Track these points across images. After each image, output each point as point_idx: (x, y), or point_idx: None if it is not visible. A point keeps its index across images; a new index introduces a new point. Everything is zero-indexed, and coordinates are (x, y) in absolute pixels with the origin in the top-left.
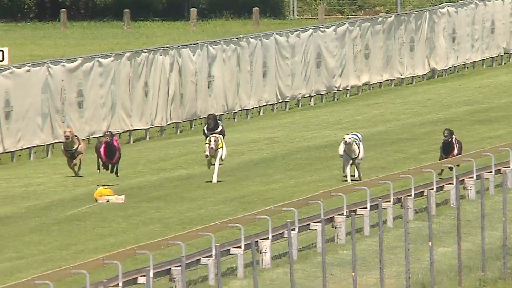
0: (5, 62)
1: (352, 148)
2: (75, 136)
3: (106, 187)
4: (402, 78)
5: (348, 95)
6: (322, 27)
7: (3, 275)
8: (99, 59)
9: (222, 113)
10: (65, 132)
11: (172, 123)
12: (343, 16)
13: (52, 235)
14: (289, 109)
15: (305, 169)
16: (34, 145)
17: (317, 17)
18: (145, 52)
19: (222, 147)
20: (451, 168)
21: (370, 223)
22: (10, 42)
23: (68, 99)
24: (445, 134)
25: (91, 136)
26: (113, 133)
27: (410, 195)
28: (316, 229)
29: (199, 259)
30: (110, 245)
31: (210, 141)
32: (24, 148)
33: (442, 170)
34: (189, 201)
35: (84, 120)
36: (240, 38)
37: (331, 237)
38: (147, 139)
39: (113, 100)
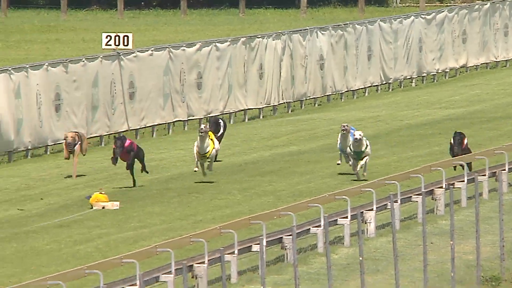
0: (130, 46)
1: (361, 144)
2: (78, 135)
3: (103, 192)
4: (497, 61)
5: (446, 77)
6: (422, 14)
7: (128, 243)
8: (216, 44)
9: (330, 94)
10: (66, 137)
11: (284, 102)
12: (442, 4)
13: (172, 206)
14: (392, 89)
15: (407, 146)
16: (156, 123)
17: (418, 4)
18: (259, 37)
19: (213, 148)
20: (462, 166)
21: (467, 195)
22: (134, 28)
23: (187, 81)
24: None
25: (208, 115)
26: (124, 137)
27: (504, 170)
28: (417, 201)
29: (309, 228)
30: (226, 216)
31: (200, 131)
32: (147, 126)
33: (455, 167)
34: (299, 175)
35: (202, 100)
36: (347, 24)
37: (430, 208)
38: (261, 117)
39: (229, 82)
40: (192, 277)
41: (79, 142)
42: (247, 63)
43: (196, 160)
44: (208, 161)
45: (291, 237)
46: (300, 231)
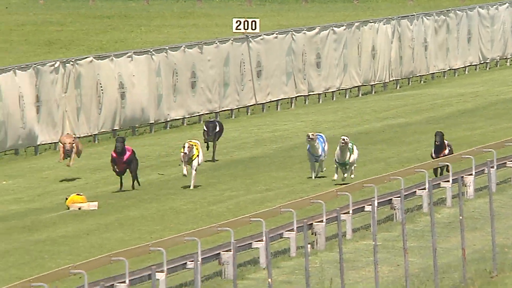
0: (257, 30)
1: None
2: (73, 142)
3: (81, 194)
4: None
5: None
6: None
7: (255, 204)
8: (334, 28)
9: (433, 72)
10: (64, 144)
11: (393, 79)
12: None
13: (295, 171)
14: (489, 68)
15: (503, 118)
16: (280, 98)
17: None
18: (371, 22)
19: (198, 155)
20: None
21: None
22: (261, 14)
23: (308, 61)
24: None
25: (327, 91)
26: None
27: None
28: (511, 167)
29: (415, 191)
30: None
31: (184, 147)
32: (272, 101)
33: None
34: (407, 144)
35: (321, 77)
36: (449, 10)
37: None
38: (373, 93)
39: (345, 61)
40: (312, 234)
41: (75, 144)
42: (361, 45)
43: (183, 163)
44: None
45: (399, 198)
46: (408, 193)
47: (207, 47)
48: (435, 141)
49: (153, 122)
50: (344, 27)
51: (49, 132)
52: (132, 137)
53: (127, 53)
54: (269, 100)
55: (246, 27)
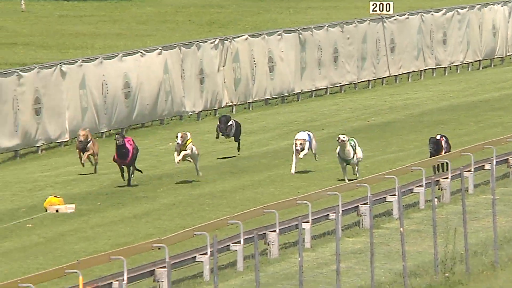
0: (391, 12)
1: (346, 149)
2: (87, 135)
3: (58, 196)
4: None
5: None
6: None
7: (389, 163)
8: (458, 10)
9: None
10: (79, 135)
11: (510, 54)
12: None
13: (424, 134)
14: None
15: None
16: (411, 70)
17: None
18: (491, 4)
19: (188, 143)
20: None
21: None
22: None
23: (435, 38)
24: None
25: (452, 64)
26: (124, 134)
27: None
28: None
29: None
30: (465, 142)
31: (177, 137)
32: (404, 73)
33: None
34: None
35: (447, 53)
36: None
37: None
38: (492, 66)
39: (468, 39)
40: (439, 189)
41: (91, 141)
42: (482, 25)
43: (176, 152)
44: (188, 159)
45: None
46: None
47: (347, 27)
48: (430, 148)
49: (299, 91)
50: (467, 8)
51: (212, 101)
52: (282, 105)
53: (277, 31)
54: (401, 73)
55: (381, 9)
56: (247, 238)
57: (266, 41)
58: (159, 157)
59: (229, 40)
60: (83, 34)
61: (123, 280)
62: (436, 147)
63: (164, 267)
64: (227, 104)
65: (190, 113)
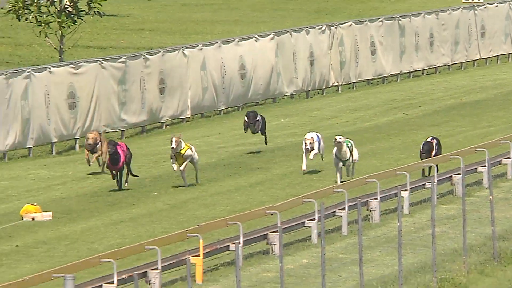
0: (481, 1)
1: (343, 150)
2: (99, 140)
3: (34, 204)
4: None
5: None
6: None
7: (479, 137)
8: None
9: None
10: (87, 138)
11: None
12: None
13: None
14: None
15: None
16: (500, 53)
17: None
18: None
19: (188, 147)
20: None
21: None
22: None
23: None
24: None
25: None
26: (116, 141)
27: None
28: None
29: None
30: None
31: (171, 141)
32: (493, 56)
33: (423, 170)
34: None
35: (483, 45)
36: None
37: None
38: None
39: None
40: None
41: (100, 142)
42: None
43: (172, 160)
44: (184, 165)
45: None
46: None
47: (442, 14)
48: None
49: (398, 73)
50: None
51: (320, 81)
52: (382, 85)
53: (379, 18)
54: (491, 55)
55: None
56: (351, 205)
57: (368, 27)
58: (272, 131)
59: (335, 26)
60: (203, 20)
61: (239, 243)
62: (428, 148)
63: (276, 231)
64: (333, 84)
65: (301, 93)
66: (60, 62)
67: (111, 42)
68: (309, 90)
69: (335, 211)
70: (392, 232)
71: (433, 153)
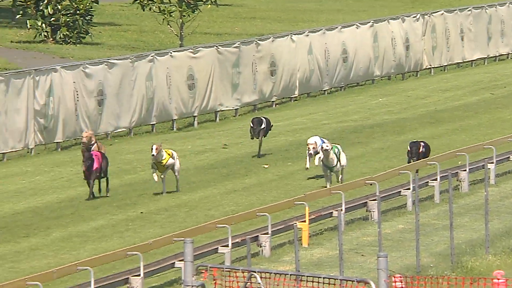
0: None
1: (330, 157)
2: (94, 141)
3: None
4: None
5: None
6: None
7: None
8: None
9: None
10: (82, 137)
11: None
12: None
13: None
14: None
15: None
16: None
17: None
18: None
19: (170, 158)
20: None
21: None
22: None
23: None
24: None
25: None
26: (91, 146)
27: None
28: None
29: None
30: None
31: (152, 149)
32: None
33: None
34: None
35: None
36: None
37: None
38: None
39: None
40: None
41: (95, 143)
42: None
43: (152, 170)
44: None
45: None
46: None
47: (500, 8)
48: (411, 151)
49: (485, 56)
50: None
51: (414, 64)
52: (471, 67)
53: (468, 8)
54: None
55: None
56: (443, 176)
57: (458, 15)
58: (371, 110)
59: (428, 15)
60: (309, 10)
61: (341, 210)
62: (416, 150)
63: (374, 199)
64: (426, 67)
65: (397, 75)
66: (180, 47)
67: (226, 29)
68: (405, 73)
69: (428, 182)
70: (480, 201)
71: (420, 151)
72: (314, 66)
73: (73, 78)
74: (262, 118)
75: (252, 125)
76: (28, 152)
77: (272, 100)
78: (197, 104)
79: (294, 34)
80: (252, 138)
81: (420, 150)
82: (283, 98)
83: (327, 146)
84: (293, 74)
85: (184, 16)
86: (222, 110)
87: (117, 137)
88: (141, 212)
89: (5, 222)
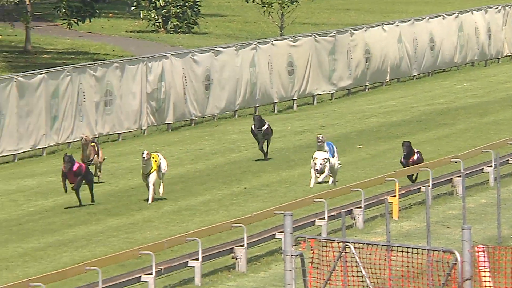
0: None
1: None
2: (92, 144)
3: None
4: None
5: None
6: None
7: None
8: None
9: None
10: (81, 138)
11: None
12: None
13: None
14: None
15: None
16: None
17: None
18: None
19: (156, 169)
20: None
21: None
22: None
23: None
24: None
25: None
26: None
27: None
28: None
29: None
30: None
31: (142, 154)
32: None
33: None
34: None
35: None
36: None
37: None
38: None
39: None
40: None
41: (93, 145)
42: None
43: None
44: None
45: None
46: None
47: None
48: (403, 151)
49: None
50: None
51: (496, 52)
52: None
53: None
54: None
55: None
56: None
57: None
58: (456, 94)
59: (509, 6)
60: (399, 2)
61: (429, 186)
62: (408, 150)
63: (459, 176)
64: (507, 54)
65: (480, 61)
66: (280, 36)
67: (323, 20)
68: (487, 60)
69: (508, 160)
70: None
71: (415, 157)
72: (403, 54)
73: (182, 64)
74: (260, 116)
75: (253, 122)
76: (141, 132)
77: (366, 84)
78: (296, 89)
79: (385, 24)
80: (256, 138)
81: (415, 158)
82: (375, 82)
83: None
84: (385, 60)
85: (284, 7)
86: (319, 94)
87: (222, 119)
88: (245, 188)
89: (120, 197)
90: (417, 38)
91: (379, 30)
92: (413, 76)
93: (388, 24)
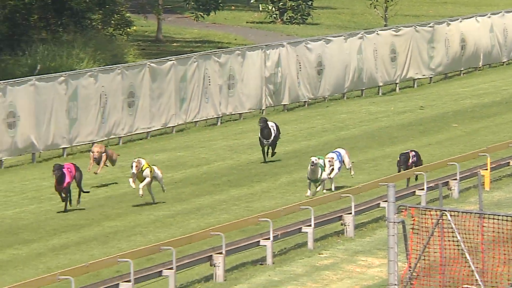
0: None
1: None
2: (102, 151)
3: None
4: None
5: None
6: None
7: None
8: None
9: None
10: (93, 152)
11: None
12: None
13: None
14: None
15: None
16: None
17: None
18: None
19: (146, 178)
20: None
21: None
22: None
23: None
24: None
25: None
26: (62, 164)
27: None
28: None
29: None
30: None
31: (132, 166)
32: None
33: (409, 179)
34: None
35: None
36: None
37: None
38: None
39: None
40: None
41: (104, 153)
42: None
43: (131, 180)
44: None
45: None
46: None
47: None
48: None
49: None
50: None
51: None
52: None
53: None
54: None
55: None
56: None
57: None
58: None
59: None
60: None
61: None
62: (405, 159)
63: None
64: None
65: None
66: (384, 26)
67: (422, 12)
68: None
69: None
70: None
71: (411, 160)
72: (494, 42)
73: (296, 52)
74: (271, 124)
75: (260, 125)
76: (260, 112)
77: (460, 69)
78: (398, 73)
79: (479, 16)
80: (261, 145)
81: (411, 160)
82: (469, 68)
83: (315, 159)
84: (478, 48)
85: (388, 1)
86: (419, 78)
87: (332, 100)
88: (353, 162)
89: (241, 170)
90: (507, 28)
91: (472, 21)
92: (503, 62)
93: (481, 16)
